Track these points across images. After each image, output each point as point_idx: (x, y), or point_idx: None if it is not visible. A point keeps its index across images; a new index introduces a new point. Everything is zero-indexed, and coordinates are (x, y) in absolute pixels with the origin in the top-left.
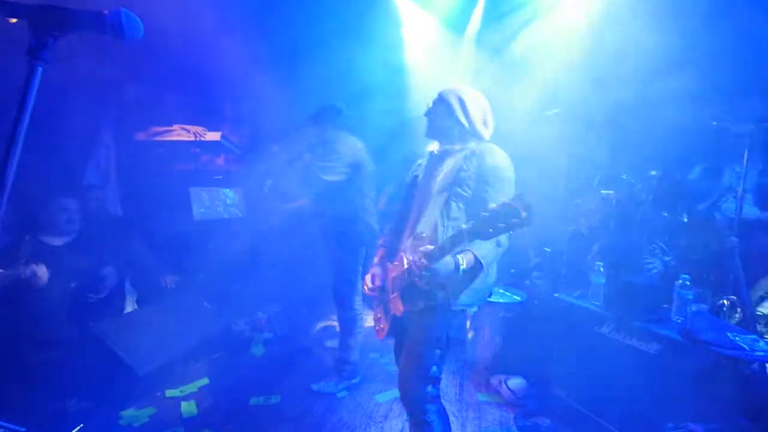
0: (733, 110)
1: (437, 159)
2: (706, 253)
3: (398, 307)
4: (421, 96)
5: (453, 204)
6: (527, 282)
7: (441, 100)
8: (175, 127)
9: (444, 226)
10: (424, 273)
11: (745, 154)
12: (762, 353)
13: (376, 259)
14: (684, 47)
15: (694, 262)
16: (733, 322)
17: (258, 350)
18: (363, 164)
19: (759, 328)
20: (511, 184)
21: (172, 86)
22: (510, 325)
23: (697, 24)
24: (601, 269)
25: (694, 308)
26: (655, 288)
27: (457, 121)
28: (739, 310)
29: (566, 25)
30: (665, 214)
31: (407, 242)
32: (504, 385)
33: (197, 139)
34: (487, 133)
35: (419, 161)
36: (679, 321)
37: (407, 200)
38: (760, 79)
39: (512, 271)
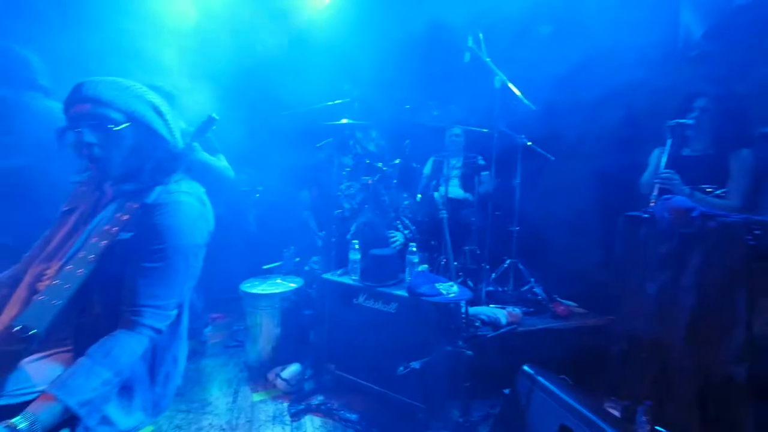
0: (449, 115)
1: None
2: (430, 225)
3: None
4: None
5: None
6: (307, 268)
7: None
8: None
9: None
10: None
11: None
12: (453, 295)
13: None
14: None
15: (423, 232)
16: (446, 275)
17: None
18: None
19: (460, 276)
20: None
21: None
22: (288, 314)
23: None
24: (357, 246)
25: (419, 269)
26: (396, 257)
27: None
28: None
29: None
30: (405, 195)
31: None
32: (278, 378)
33: None
34: None
35: None
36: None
37: None
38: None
39: (297, 259)
